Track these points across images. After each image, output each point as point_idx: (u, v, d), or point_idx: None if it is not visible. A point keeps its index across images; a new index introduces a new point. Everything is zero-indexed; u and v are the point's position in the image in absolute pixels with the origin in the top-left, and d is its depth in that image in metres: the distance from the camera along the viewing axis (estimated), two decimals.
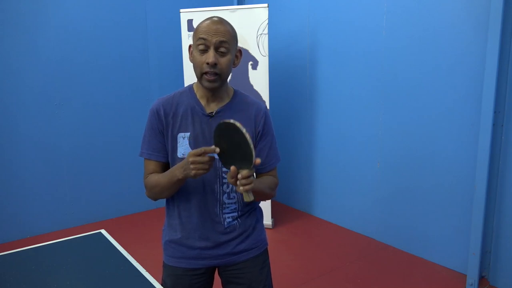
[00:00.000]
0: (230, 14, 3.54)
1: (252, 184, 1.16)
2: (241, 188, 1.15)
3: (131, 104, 4.10)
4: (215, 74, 1.29)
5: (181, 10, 3.65)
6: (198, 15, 3.61)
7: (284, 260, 3.16)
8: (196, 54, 1.31)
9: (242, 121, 1.35)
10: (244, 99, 1.44)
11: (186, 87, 1.45)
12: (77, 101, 3.79)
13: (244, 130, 1.13)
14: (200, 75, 1.31)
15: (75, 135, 3.81)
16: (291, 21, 4.07)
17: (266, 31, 3.50)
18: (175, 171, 1.27)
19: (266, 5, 3.48)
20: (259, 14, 3.49)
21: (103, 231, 1.92)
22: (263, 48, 3.52)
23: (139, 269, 1.56)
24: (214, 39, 1.27)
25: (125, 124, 4.08)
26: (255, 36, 3.53)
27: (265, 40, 3.51)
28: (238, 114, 1.39)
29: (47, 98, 3.63)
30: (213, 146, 1.19)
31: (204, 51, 1.29)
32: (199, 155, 1.18)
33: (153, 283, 1.41)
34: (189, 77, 3.73)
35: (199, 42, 1.29)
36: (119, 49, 3.96)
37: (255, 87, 3.58)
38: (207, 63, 1.27)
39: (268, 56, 3.53)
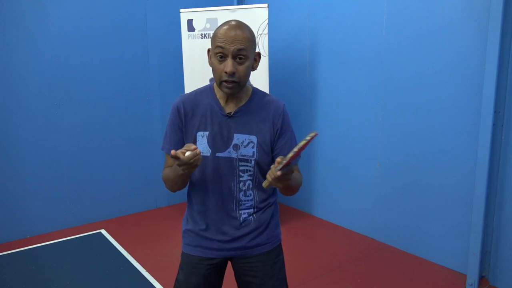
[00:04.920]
0: (230, 14, 3.54)
1: (274, 182, 1.19)
2: (268, 177, 1.21)
3: (131, 104, 4.10)
4: (234, 81, 1.31)
5: (181, 10, 3.65)
6: (198, 15, 3.62)
7: (284, 260, 3.16)
8: (215, 61, 1.32)
9: (261, 120, 1.41)
10: (262, 98, 1.47)
11: (207, 85, 1.48)
12: (77, 101, 3.79)
13: (296, 146, 1.13)
14: (220, 82, 1.34)
15: (75, 135, 3.81)
16: (291, 21, 4.07)
17: (266, 31, 3.50)
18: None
19: (266, 5, 3.48)
20: (259, 14, 3.49)
21: (103, 231, 1.92)
22: (263, 48, 3.52)
23: (139, 269, 1.57)
24: (232, 48, 1.29)
25: (125, 124, 4.08)
26: (255, 36, 3.53)
27: (265, 40, 3.51)
28: (257, 114, 1.43)
29: (47, 98, 3.63)
30: (191, 150, 1.20)
31: (223, 58, 1.30)
32: (182, 160, 1.19)
33: (153, 283, 1.42)
34: (189, 77, 3.73)
35: (217, 50, 1.30)
36: (119, 49, 3.96)
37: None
38: (226, 72, 1.29)
39: (268, 56, 3.53)
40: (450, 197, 2.95)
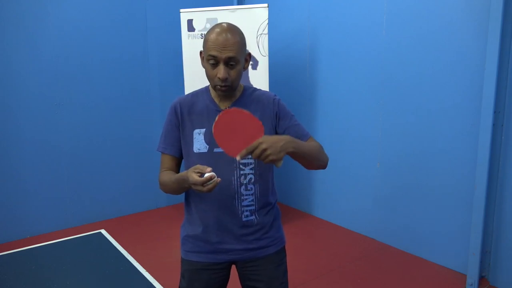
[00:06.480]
0: (230, 14, 3.54)
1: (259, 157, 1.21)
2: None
3: (131, 104, 4.10)
4: (227, 85, 1.37)
5: (181, 10, 3.65)
6: (198, 15, 3.62)
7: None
8: (207, 66, 1.38)
9: (257, 111, 1.45)
10: (253, 92, 1.52)
11: (203, 88, 1.53)
12: (77, 101, 3.79)
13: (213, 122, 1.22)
14: (214, 86, 1.39)
15: (75, 135, 3.81)
16: (291, 21, 4.07)
17: (266, 31, 3.50)
18: (185, 181, 1.29)
19: (266, 5, 3.48)
20: (259, 14, 3.49)
21: (103, 231, 1.92)
22: (263, 48, 3.52)
23: (139, 269, 1.56)
24: (224, 55, 1.33)
25: (125, 124, 4.08)
26: (255, 36, 3.53)
27: (265, 40, 3.51)
28: (251, 106, 1.46)
29: (47, 98, 3.63)
30: (209, 173, 1.22)
31: (215, 65, 1.35)
32: (201, 184, 1.22)
33: (153, 283, 1.42)
34: (189, 76, 3.72)
35: (209, 58, 1.35)
36: (119, 49, 3.96)
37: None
38: (219, 78, 1.34)
39: (268, 56, 3.53)
40: (450, 197, 2.95)
